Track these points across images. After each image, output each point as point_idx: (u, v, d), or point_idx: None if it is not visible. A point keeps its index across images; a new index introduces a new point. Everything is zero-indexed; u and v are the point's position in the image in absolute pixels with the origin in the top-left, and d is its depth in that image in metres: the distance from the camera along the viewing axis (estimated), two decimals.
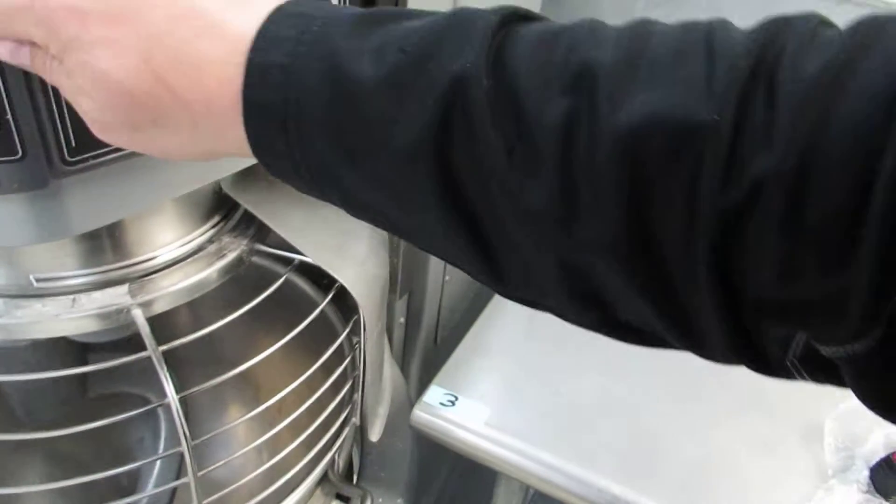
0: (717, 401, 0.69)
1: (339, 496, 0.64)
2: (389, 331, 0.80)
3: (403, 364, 0.86)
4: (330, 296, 0.52)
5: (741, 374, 0.76)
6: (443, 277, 0.83)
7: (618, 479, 0.61)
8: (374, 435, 0.60)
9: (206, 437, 0.43)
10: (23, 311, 0.42)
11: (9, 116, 0.30)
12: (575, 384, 0.68)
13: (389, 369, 0.66)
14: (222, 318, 0.45)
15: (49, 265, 0.43)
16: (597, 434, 0.64)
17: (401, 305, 0.81)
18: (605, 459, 0.62)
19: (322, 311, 0.64)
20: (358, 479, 0.67)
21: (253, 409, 0.52)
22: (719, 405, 0.68)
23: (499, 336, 0.73)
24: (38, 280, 0.42)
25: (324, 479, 0.61)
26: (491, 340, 0.72)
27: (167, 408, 0.42)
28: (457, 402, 0.63)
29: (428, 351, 0.86)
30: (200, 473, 0.44)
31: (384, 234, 0.57)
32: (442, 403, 0.63)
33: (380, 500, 0.65)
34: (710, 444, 0.65)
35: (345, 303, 0.64)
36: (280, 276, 0.50)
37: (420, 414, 0.62)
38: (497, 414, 0.64)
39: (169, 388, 0.41)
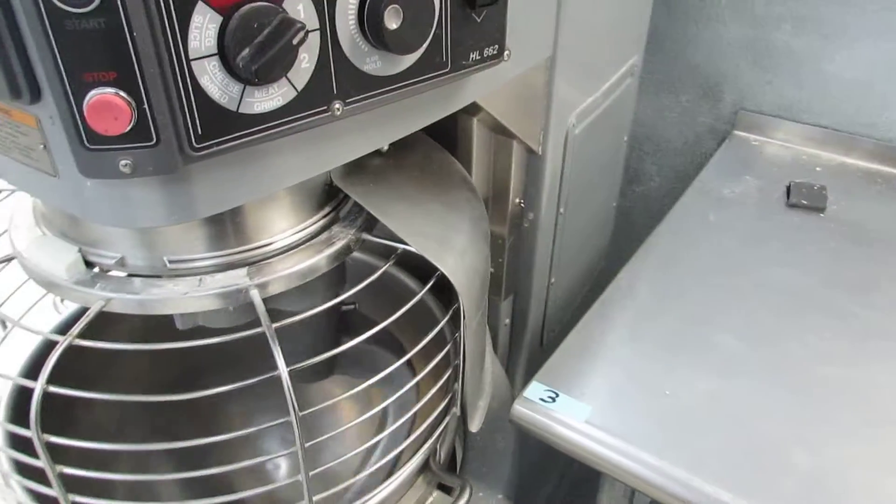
0: (844, 411, 0.64)
1: (441, 487, 0.66)
2: (494, 331, 0.81)
3: (509, 366, 0.87)
4: (430, 284, 0.54)
5: (873, 385, 0.70)
6: (548, 280, 0.83)
7: (727, 487, 0.58)
8: (474, 426, 0.62)
9: (312, 409, 0.46)
10: (157, 289, 0.47)
11: (145, 105, 0.34)
12: (681, 388, 0.66)
13: (491, 364, 0.67)
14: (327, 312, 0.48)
15: (180, 248, 0.47)
16: (705, 439, 0.62)
17: (506, 307, 0.81)
18: (713, 465, 0.60)
19: (426, 304, 0.66)
20: (460, 472, 0.69)
21: (360, 406, 0.54)
22: (847, 416, 0.64)
23: (603, 337, 0.72)
24: (170, 262, 0.47)
25: (426, 468, 0.63)
26: (595, 341, 0.72)
27: (278, 381, 0.45)
28: (557, 399, 0.63)
29: (534, 353, 0.86)
30: (308, 444, 0.47)
31: (485, 228, 0.58)
32: (542, 399, 0.63)
33: (480, 495, 0.66)
34: (834, 457, 0.61)
35: (448, 299, 0.66)
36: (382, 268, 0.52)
37: (520, 409, 0.63)
38: (598, 413, 0.63)
39: (280, 361, 0.44)
